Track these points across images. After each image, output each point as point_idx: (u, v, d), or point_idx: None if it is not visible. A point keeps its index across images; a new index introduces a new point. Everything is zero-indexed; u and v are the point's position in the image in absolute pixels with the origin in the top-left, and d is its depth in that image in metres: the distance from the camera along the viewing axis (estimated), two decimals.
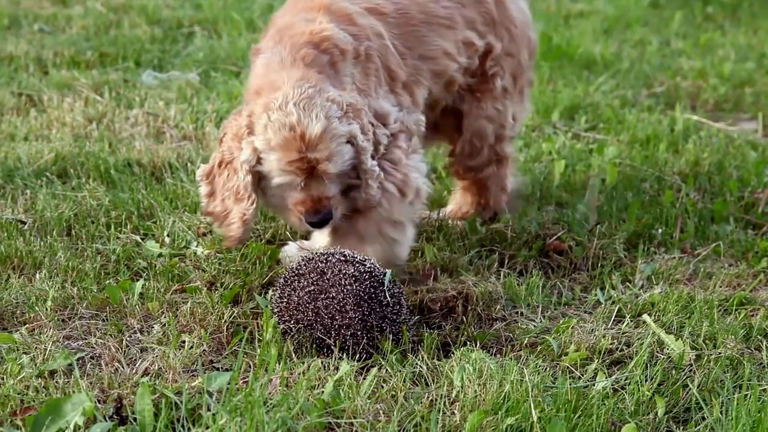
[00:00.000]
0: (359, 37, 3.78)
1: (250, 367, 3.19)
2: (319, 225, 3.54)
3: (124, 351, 3.27)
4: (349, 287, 3.21)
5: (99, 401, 2.91)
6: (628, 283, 3.90)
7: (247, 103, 3.64)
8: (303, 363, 3.17)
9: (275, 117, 3.43)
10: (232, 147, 3.55)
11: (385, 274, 3.28)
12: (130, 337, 3.37)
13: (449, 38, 4.09)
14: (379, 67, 3.83)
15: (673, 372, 3.22)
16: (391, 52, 3.88)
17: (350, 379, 3.03)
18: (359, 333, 3.21)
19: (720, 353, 3.34)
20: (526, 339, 3.43)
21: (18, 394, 2.93)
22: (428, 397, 3.00)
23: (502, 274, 3.90)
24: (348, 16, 3.81)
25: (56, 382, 3.02)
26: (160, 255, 3.91)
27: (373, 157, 3.57)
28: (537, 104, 6.14)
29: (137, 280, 3.65)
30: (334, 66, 3.67)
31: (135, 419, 2.80)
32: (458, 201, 4.50)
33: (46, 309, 3.46)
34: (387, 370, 3.14)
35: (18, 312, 3.47)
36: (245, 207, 3.54)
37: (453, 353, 3.25)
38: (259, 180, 3.55)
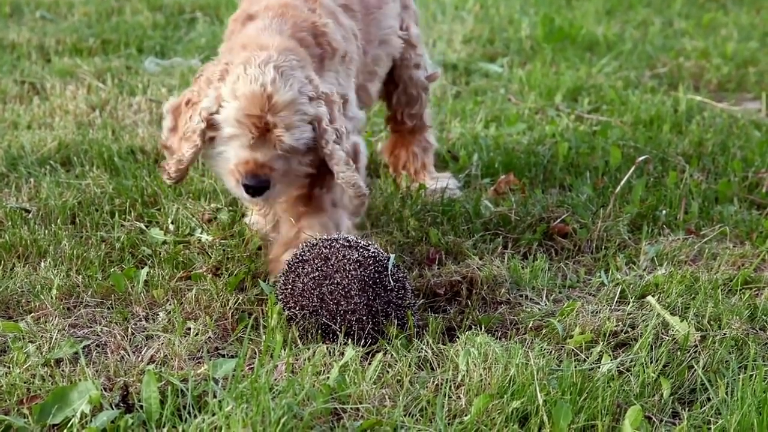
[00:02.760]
0: (346, 38, 3.83)
1: (255, 353, 3.19)
2: (253, 192, 3.44)
3: (130, 339, 3.27)
4: (353, 272, 3.22)
5: (105, 389, 2.92)
6: (632, 265, 3.90)
7: (225, 55, 3.64)
8: (308, 349, 3.17)
9: (251, 71, 3.40)
10: (202, 90, 3.53)
11: (388, 259, 3.28)
12: (136, 324, 3.38)
13: (393, 14, 4.28)
14: (357, 71, 3.92)
15: (678, 353, 3.23)
16: (360, 54, 3.97)
17: (355, 364, 3.04)
18: (364, 318, 3.21)
19: (725, 334, 3.34)
20: (531, 322, 3.43)
21: (24, 382, 2.94)
22: (434, 382, 3.01)
23: (506, 257, 3.90)
24: (335, 15, 3.84)
25: (62, 370, 3.02)
26: (164, 242, 3.92)
27: (336, 143, 3.51)
28: (540, 87, 6.13)
29: (142, 268, 3.66)
30: (322, 61, 3.68)
31: (141, 407, 2.81)
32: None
33: (52, 297, 3.47)
34: (392, 355, 3.14)
35: (23, 301, 3.48)
36: (185, 149, 3.51)
37: (458, 337, 3.26)
38: (213, 129, 3.49)
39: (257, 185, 3.43)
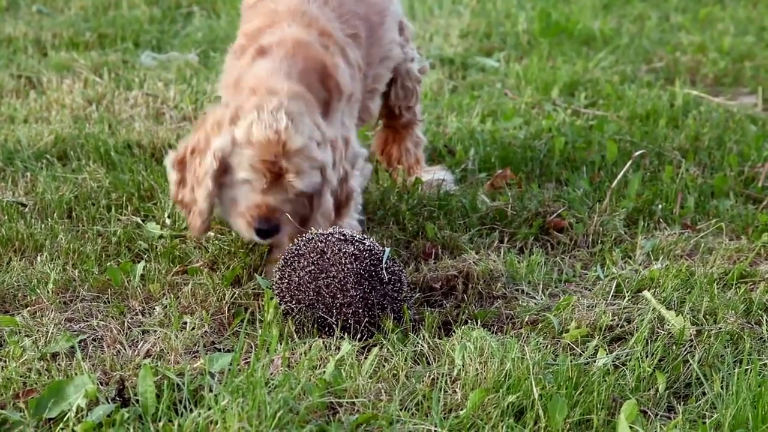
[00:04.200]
0: (353, 77, 3.88)
1: (251, 347, 3.20)
2: (265, 234, 3.52)
3: (126, 333, 3.28)
4: (349, 266, 3.22)
5: (101, 383, 2.92)
6: (628, 259, 3.91)
7: (233, 96, 3.67)
8: (304, 343, 3.18)
9: (264, 117, 3.46)
10: (210, 135, 3.56)
11: (384, 252, 3.29)
12: (132, 318, 3.38)
13: (393, 25, 4.32)
14: (359, 105, 3.99)
15: (674, 348, 3.23)
16: (363, 87, 4.05)
17: (352, 358, 3.04)
18: (360, 311, 3.22)
19: (720, 328, 3.35)
20: (527, 316, 3.43)
21: (20, 376, 2.94)
22: (430, 376, 3.01)
23: (502, 251, 3.91)
24: (344, 51, 3.89)
25: (58, 364, 3.03)
26: (161, 236, 3.92)
27: (331, 195, 3.60)
28: (536, 81, 6.13)
29: (138, 262, 3.66)
30: (327, 105, 3.73)
31: (137, 401, 2.81)
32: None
33: (48, 291, 3.47)
34: (388, 349, 3.15)
35: (20, 295, 3.48)
36: (200, 197, 3.54)
37: (454, 332, 3.26)
38: (224, 173, 3.53)
39: (269, 228, 3.51)
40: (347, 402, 2.88)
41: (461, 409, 2.85)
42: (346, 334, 3.23)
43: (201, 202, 3.55)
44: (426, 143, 4.81)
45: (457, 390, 2.94)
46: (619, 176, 4.41)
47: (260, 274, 3.61)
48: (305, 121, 3.51)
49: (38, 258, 3.70)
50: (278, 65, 3.67)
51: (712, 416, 2.88)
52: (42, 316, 3.34)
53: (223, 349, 3.22)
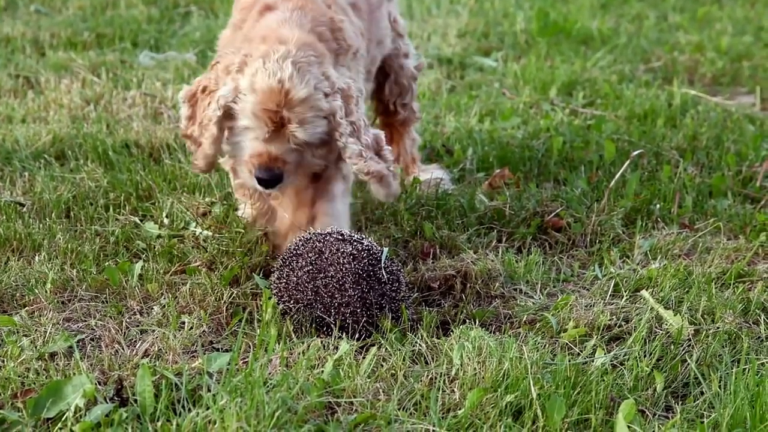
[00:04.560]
0: (357, 35, 3.86)
1: (249, 347, 3.20)
2: (267, 183, 3.52)
3: (124, 332, 3.28)
4: (347, 266, 3.22)
5: (99, 383, 2.92)
6: (626, 259, 3.91)
7: (244, 45, 3.65)
8: (302, 343, 3.18)
9: (269, 66, 3.44)
10: (219, 78, 3.57)
11: (382, 252, 3.29)
12: (130, 318, 3.38)
13: (386, 15, 4.31)
14: (363, 67, 3.95)
15: (672, 347, 3.23)
16: (365, 52, 4.00)
17: (350, 358, 3.04)
18: (358, 311, 3.22)
19: (718, 328, 3.35)
20: (525, 316, 3.43)
21: (18, 376, 2.94)
22: (428, 376, 3.01)
23: (500, 251, 3.91)
24: (347, 13, 3.87)
25: (56, 364, 3.03)
26: (159, 236, 3.92)
27: (351, 136, 3.55)
28: (534, 81, 6.13)
29: (136, 262, 3.66)
30: (338, 56, 3.71)
31: (135, 401, 2.81)
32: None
33: (46, 291, 3.47)
34: (386, 349, 3.15)
35: (17, 294, 3.48)
36: (205, 139, 3.56)
37: (452, 331, 3.26)
38: (229, 119, 3.54)
39: (270, 178, 3.50)
40: (345, 402, 2.88)
41: (459, 409, 2.85)
42: (344, 333, 3.23)
43: (206, 146, 3.57)
44: (420, 142, 4.81)
45: (456, 389, 2.94)
46: (617, 176, 4.41)
47: (258, 274, 3.61)
48: (312, 70, 3.49)
49: (36, 258, 3.70)
50: (289, 15, 3.66)
51: (710, 416, 2.88)
52: (40, 315, 3.34)
53: (222, 348, 3.22)
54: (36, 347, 3.11)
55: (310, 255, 3.26)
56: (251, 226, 3.92)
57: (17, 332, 3.22)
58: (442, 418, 2.82)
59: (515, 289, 3.65)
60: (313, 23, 3.67)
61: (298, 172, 3.56)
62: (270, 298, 3.30)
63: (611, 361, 3.12)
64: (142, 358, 3.10)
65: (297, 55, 3.48)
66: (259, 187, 3.55)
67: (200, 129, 3.59)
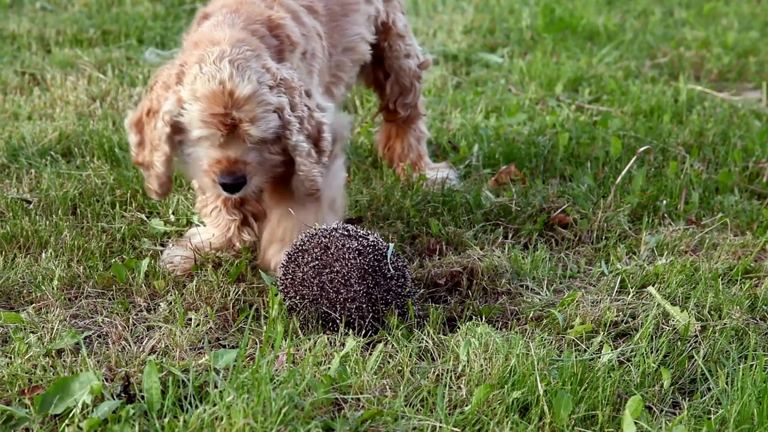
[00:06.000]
0: (308, 36, 3.77)
1: (256, 344, 3.20)
2: (231, 188, 3.41)
3: (131, 329, 3.28)
4: (353, 261, 3.22)
5: (106, 379, 2.93)
6: (633, 255, 3.91)
7: (179, 56, 3.60)
8: (309, 339, 3.18)
9: (207, 69, 3.36)
10: (161, 96, 3.48)
11: (388, 248, 3.29)
12: (137, 315, 3.38)
13: (360, 21, 4.19)
14: (319, 68, 3.85)
15: (679, 343, 3.23)
16: (325, 54, 3.92)
17: (356, 354, 3.04)
18: (364, 306, 3.22)
19: (725, 324, 3.35)
20: (532, 312, 3.43)
21: (26, 373, 2.95)
22: (434, 372, 3.01)
23: (506, 247, 3.91)
24: (296, 14, 3.78)
25: (64, 360, 3.03)
26: (165, 233, 3.92)
27: (299, 133, 3.48)
28: (540, 77, 6.13)
29: (143, 258, 3.66)
30: (280, 53, 3.61)
31: (142, 397, 2.81)
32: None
33: (53, 288, 3.47)
34: (393, 345, 3.15)
35: (25, 291, 3.49)
36: (156, 160, 3.48)
37: (459, 328, 3.26)
38: (180, 133, 3.45)
39: (234, 182, 3.40)
40: (352, 398, 2.88)
41: (466, 405, 2.85)
42: (350, 330, 3.23)
43: (158, 166, 3.49)
44: (429, 137, 4.81)
45: (462, 386, 2.94)
46: (624, 172, 4.40)
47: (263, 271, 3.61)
48: (252, 65, 3.39)
49: (43, 255, 3.71)
50: (221, 20, 3.59)
51: (717, 412, 2.88)
52: (47, 312, 3.34)
53: (228, 345, 3.23)
54: (43, 344, 3.12)
55: (316, 250, 3.26)
56: (215, 248, 3.83)
57: (24, 329, 3.22)
58: (449, 414, 2.82)
59: (522, 286, 3.65)
60: (247, 21, 3.58)
61: (260, 172, 3.46)
62: (276, 294, 3.30)
63: (618, 357, 3.12)
64: (149, 354, 3.10)
65: (233, 53, 3.39)
66: (225, 194, 3.47)
67: (151, 151, 3.50)
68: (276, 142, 3.45)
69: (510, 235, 4.05)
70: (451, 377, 2.98)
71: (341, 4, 4.10)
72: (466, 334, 3.17)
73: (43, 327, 3.23)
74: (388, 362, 3.06)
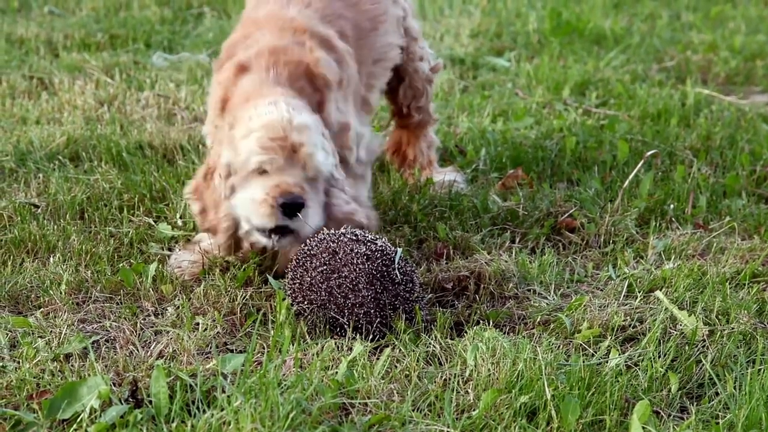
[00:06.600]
0: (341, 63, 3.78)
1: (264, 348, 3.20)
2: (291, 209, 3.34)
3: (139, 334, 3.28)
4: (361, 266, 3.22)
5: (114, 384, 2.93)
6: (640, 259, 3.90)
7: (220, 116, 3.61)
8: (317, 344, 3.18)
9: (262, 109, 3.39)
10: (217, 153, 3.51)
11: (396, 253, 3.29)
12: (145, 319, 3.39)
13: (390, 30, 4.24)
14: (354, 89, 3.87)
15: (686, 348, 3.23)
16: (356, 72, 3.92)
17: (364, 359, 3.04)
18: (372, 311, 3.22)
19: (733, 328, 3.34)
20: (539, 317, 3.43)
21: (34, 377, 2.95)
22: (442, 377, 3.01)
23: (514, 252, 3.91)
24: (328, 41, 3.79)
25: (72, 365, 3.03)
26: (173, 237, 3.92)
27: (337, 168, 3.52)
28: (547, 81, 6.13)
29: (151, 263, 3.66)
30: (321, 105, 3.62)
31: (150, 402, 2.82)
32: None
33: (61, 293, 3.48)
34: (400, 349, 3.15)
35: (32, 296, 3.49)
36: (221, 214, 3.49)
37: (466, 332, 3.26)
38: (233, 175, 3.47)
39: (293, 201, 3.34)
40: (360, 403, 2.88)
41: (474, 410, 2.85)
42: (358, 334, 3.23)
43: (223, 222, 3.51)
44: (438, 144, 4.81)
45: (470, 390, 2.94)
46: (631, 176, 4.40)
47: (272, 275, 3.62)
48: (303, 111, 3.44)
49: (51, 259, 3.71)
50: (265, 76, 3.58)
51: (725, 417, 2.88)
52: (55, 317, 3.35)
53: (236, 350, 3.23)
54: (51, 348, 3.12)
55: (324, 255, 3.26)
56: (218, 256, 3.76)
57: (32, 333, 3.23)
58: (457, 419, 2.82)
59: (529, 290, 3.65)
60: (291, 79, 3.59)
61: (315, 206, 3.41)
62: (284, 299, 3.30)
63: (626, 361, 3.11)
64: (157, 359, 3.11)
65: (286, 100, 3.43)
66: (281, 219, 3.34)
67: (215, 211, 3.50)
68: (325, 185, 3.47)
69: (517, 239, 4.05)
70: (458, 382, 2.98)
71: (371, 19, 4.12)
72: (474, 338, 3.17)
73: (51, 331, 3.23)
74: (396, 367, 3.06)
